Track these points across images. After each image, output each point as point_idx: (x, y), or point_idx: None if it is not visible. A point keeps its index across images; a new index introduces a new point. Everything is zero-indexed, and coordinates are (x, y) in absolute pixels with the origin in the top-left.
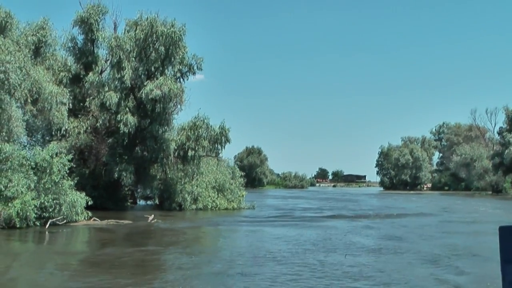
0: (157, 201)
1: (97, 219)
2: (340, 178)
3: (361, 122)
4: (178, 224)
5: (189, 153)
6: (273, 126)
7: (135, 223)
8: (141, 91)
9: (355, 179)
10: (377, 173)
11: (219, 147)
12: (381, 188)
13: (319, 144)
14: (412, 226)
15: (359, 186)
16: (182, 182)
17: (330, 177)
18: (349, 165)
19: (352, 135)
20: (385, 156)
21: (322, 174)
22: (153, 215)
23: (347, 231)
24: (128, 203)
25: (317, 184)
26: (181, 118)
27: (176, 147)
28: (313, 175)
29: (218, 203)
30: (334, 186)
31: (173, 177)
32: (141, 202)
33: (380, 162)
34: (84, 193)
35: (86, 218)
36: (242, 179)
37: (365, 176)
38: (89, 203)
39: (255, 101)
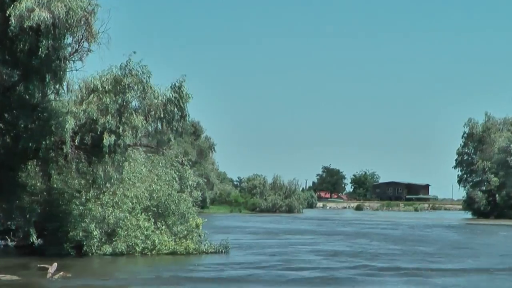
0: (33, 238)
1: None
2: (371, 190)
3: (413, 87)
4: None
5: (105, 140)
6: (229, 96)
7: (27, 280)
8: (7, 13)
9: (405, 194)
10: (460, 180)
11: (170, 128)
12: (468, 214)
13: (321, 125)
14: None
15: (416, 209)
16: (84, 199)
17: (349, 187)
18: (391, 167)
19: (395, 106)
20: (478, 143)
21: (330, 183)
22: (55, 264)
23: None
24: None
25: (320, 204)
26: (90, 67)
27: (76, 128)
28: (309, 185)
29: (157, 243)
30: (358, 208)
31: (65, 189)
32: None
33: (465, 159)
34: None
35: None
36: (198, 193)
37: (427, 187)
38: None
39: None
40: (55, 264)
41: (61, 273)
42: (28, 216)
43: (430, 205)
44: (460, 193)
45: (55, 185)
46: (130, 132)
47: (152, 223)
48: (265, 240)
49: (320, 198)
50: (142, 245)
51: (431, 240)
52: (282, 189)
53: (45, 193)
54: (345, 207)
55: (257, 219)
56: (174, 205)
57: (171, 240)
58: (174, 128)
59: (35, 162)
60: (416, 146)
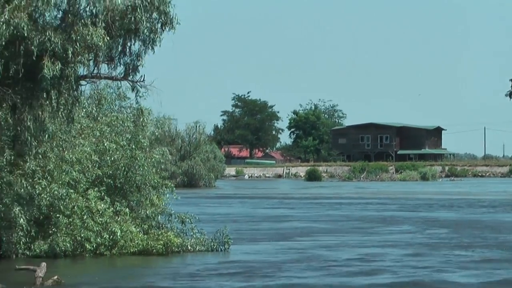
0: None
1: None
2: (330, 142)
3: None
4: None
5: (46, 70)
6: None
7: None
8: None
9: (395, 147)
10: None
11: (146, 46)
12: None
13: None
14: None
15: (425, 176)
16: (3, 163)
17: (286, 137)
18: (366, 98)
19: None
20: None
21: (249, 129)
22: (43, 265)
23: None
24: None
25: (231, 170)
26: None
27: None
28: (209, 134)
29: (119, 237)
30: (312, 175)
31: None
32: None
33: None
34: None
35: None
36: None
37: (439, 134)
38: None
39: None
40: (43, 265)
41: (55, 277)
42: None
43: (446, 168)
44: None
45: None
46: (86, 55)
47: (109, 205)
48: (261, 227)
49: (230, 159)
50: (96, 240)
51: None
52: (174, 143)
53: None
54: (280, 176)
55: None
56: (140, 175)
57: (140, 232)
58: (153, 45)
59: None
60: (412, 59)
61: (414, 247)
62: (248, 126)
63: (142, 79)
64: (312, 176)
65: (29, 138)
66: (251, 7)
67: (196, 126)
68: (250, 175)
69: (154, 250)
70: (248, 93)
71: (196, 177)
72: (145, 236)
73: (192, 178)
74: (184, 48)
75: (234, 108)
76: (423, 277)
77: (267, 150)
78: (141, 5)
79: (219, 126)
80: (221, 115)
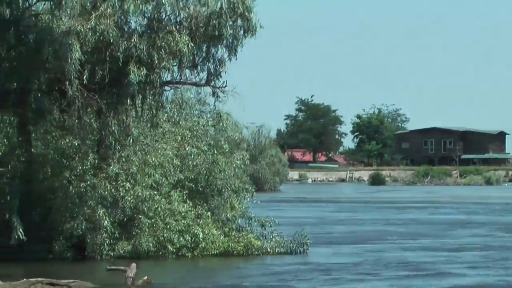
0: (18, 233)
1: None
2: (393, 146)
3: None
4: None
5: (132, 75)
6: None
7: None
8: None
9: (459, 151)
10: None
11: (229, 52)
12: None
13: None
14: None
15: (489, 180)
16: (79, 169)
17: (350, 141)
18: (428, 102)
19: None
20: None
21: (312, 133)
22: (133, 266)
23: None
24: None
25: (294, 174)
26: None
27: (84, 58)
28: (272, 138)
29: (201, 239)
30: (376, 179)
31: (51, 154)
32: None
33: None
34: None
35: None
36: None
37: (502, 138)
38: None
39: None
40: (133, 266)
41: (145, 277)
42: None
43: (510, 172)
44: None
45: (43, 150)
46: (170, 61)
47: (191, 207)
48: (334, 230)
49: (293, 163)
50: (179, 242)
51: None
52: (240, 147)
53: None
54: (343, 180)
55: None
56: (221, 180)
57: (219, 235)
58: (235, 51)
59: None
60: (476, 63)
61: (486, 250)
62: (311, 130)
63: (224, 85)
64: (376, 180)
65: (113, 142)
66: (314, 12)
67: (260, 130)
68: (313, 179)
69: (235, 252)
70: (311, 97)
71: (262, 181)
72: (225, 238)
73: (258, 182)
74: (248, 52)
75: (297, 112)
76: (498, 281)
77: (330, 154)
78: (226, 12)
79: (282, 130)
80: (285, 119)
